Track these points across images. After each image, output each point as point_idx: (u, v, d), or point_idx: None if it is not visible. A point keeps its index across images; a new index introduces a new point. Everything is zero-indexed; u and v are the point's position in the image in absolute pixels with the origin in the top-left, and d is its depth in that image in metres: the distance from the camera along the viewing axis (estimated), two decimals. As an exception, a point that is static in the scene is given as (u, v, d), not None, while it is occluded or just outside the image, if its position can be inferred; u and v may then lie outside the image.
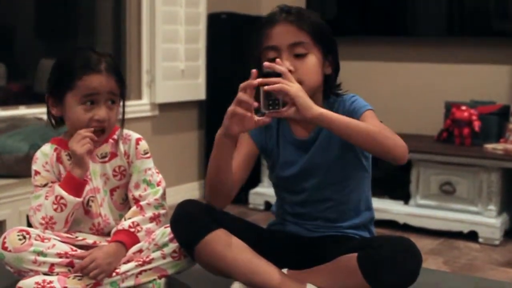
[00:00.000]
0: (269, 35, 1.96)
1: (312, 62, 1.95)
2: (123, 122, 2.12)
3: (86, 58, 2.02)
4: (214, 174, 1.95)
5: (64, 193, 1.99)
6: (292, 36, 1.94)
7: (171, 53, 4.23)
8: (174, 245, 2.02)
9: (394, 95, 4.43)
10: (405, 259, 1.78)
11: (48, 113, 2.11)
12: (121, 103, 2.11)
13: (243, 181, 2.06)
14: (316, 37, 1.96)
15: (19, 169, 2.93)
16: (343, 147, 1.97)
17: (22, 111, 3.49)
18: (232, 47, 4.39)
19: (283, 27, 1.95)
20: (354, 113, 1.94)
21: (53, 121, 2.12)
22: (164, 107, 4.30)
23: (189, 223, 1.97)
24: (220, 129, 1.88)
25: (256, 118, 1.82)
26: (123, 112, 2.11)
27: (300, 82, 1.89)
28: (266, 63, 1.84)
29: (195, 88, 4.42)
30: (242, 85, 1.81)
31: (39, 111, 3.44)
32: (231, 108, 1.82)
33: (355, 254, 1.83)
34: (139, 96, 4.22)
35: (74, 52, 2.09)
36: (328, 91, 2.03)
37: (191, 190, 4.46)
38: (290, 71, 1.88)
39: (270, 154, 2.10)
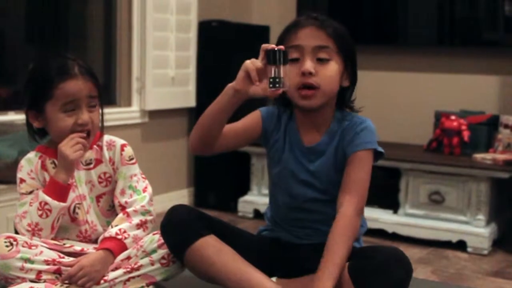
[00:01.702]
0: (296, 36, 1.97)
1: (333, 69, 1.96)
2: (102, 128, 2.11)
3: (59, 65, 2.01)
4: (207, 119, 1.96)
5: (48, 199, 1.98)
6: (318, 39, 1.95)
7: (161, 60, 4.22)
8: (162, 251, 2.01)
9: (384, 104, 4.43)
10: (396, 270, 1.78)
11: (29, 127, 2.10)
12: (101, 108, 2.09)
13: (228, 147, 2.06)
14: (341, 47, 1.97)
15: (7, 175, 2.91)
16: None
17: (11, 116, 3.47)
18: (223, 54, 4.39)
19: (311, 30, 1.96)
20: (350, 147, 1.96)
21: (35, 135, 2.11)
22: (154, 114, 4.29)
23: (179, 228, 1.97)
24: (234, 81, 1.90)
25: (268, 89, 1.82)
26: (102, 118, 2.10)
27: (318, 85, 1.93)
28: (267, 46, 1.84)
29: (185, 95, 4.42)
30: (264, 45, 1.83)
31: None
32: (246, 62, 1.85)
33: (346, 264, 1.83)
34: (129, 103, 4.21)
35: (45, 61, 2.07)
36: (343, 103, 2.04)
37: (180, 198, 4.44)
38: (310, 73, 1.92)
39: (272, 145, 2.09)
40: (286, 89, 1.84)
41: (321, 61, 1.95)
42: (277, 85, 1.81)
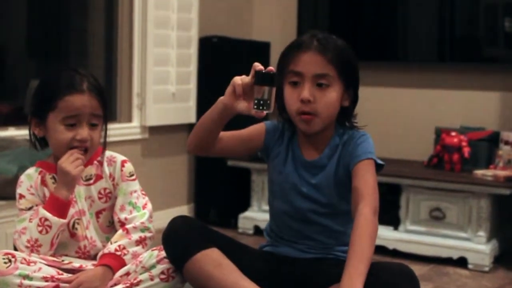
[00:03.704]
0: (297, 60, 1.97)
1: (332, 95, 1.97)
2: (105, 144, 2.11)
3: (68, 78, 2.02)
4: (201, 126, 2.02)
5: (48, 215, 1.97)
6: (318, 67, 1.95)
7: (162, 76, 4.22)
8: (162, 267, 2.01)
9: (384, 120, 4.43)
10: (402, 285, 1.77)
11: (31, 134, 2.11)
12: (104, 124, 2.10)
13: (227, 152, 2.13)
14: (341, 71, 1.97)
15: (7, 190, 2.91)
16: (348, 183, 1.98)
17: (11, 132, 3.47)
18: (223, 70, 4.39)
19: (311, 56, 1.96)
20: (352, 158, 1.96)
21: (36, 143, 2.11)
22: (155, 130, 4.29)
23: (180, 239, 1.97)
24: None
25: (253, 110, 1.85)
26: (105, 134, 2.11)
27: (316, 113, 1.94)
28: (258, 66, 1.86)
29: (186, 111, 4.42)
30: (255, 64, 1.85)
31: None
32: (236, 77, 1.89)
33: None
34: (129, 119, 4.21)
35: (57, 73, 2.09)
36: (344, 121, 2.05)
37: (180, 214, 4.42)
38: (308, 100, 1.93)
39: (273, 158, 2.11)
40: (270, 112, 1.85)
41: (320, 86, 1.95)
42: (261, 107, 1.83)
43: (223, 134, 2.05)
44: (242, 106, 1.88)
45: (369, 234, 1.81)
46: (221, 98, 1.93)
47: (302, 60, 1.96)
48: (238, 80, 1.87)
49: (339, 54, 1.97)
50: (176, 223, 2.02)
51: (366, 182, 1.90)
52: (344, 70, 1.98)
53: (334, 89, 1.96)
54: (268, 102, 1.83)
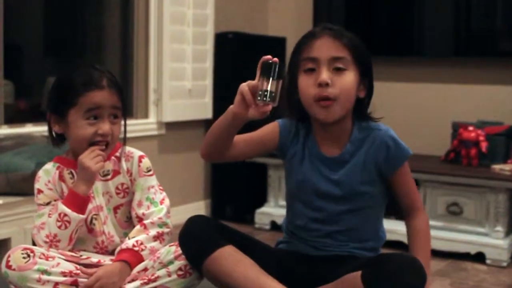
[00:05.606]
0: (311, 47, 1.95)
1: (350, 78, 1.95)
2: (125, 140, 2.12)
3: (87, 75, 2.03)
4: (213, 134, 1.98)
5: (67, 210, 1.98)
6: (334, 50, 1.94)
7: (178, 72, 4.23)
8: (179, 263, 2.01)
9: (401, 115, 4.42)
10: (409, 276, 1.76)
11: (50, 131, 2.12)
12: (123, 120, 2.11)
13: (242, 156, 2.08)
14: (356, 57, 1.96)
15: (25, 186, 2.93)
16: (373, 180, 2.00)
17: (29, 128, 3.49)
18: (239, 66, 4.39)
19: (325, 40, 1.95)
20: (395, 161, 2.03)
21: (56, 139, 2.12)
22: (171, 126, 4.30)
23: (198, 238, 1.97)
24: None
25: (256, 101, 1.81)
26: (125, 130, 2.12)
27: (335, 97, 1.92)
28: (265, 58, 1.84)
29: (202, 107, 4.43)
30: (263, 58, 1.84)
31: (46, 129, 3.43)
32: (242, 84, 1.85)
33: (360, 272, 1.81)
34: (146, 115, 4.23)
35: (75, 70, 2.09)
36: (360, 114, 2.03)
37: (197, 209, 4.44)
38: (327, 84, 1.90)
39: (290, 158, 2.08)
40: (275, 105, 1.79)
41: (337, 70, 1.93)
42: (265, 99, 1.77)
43: (236, 139, 2.01)
44: (253, 112, 1.84)
45: (429, 237, 2.14)
46: (231, 107, 1.89)
47: (316, 45, 1.94)
48: (245, 86, 1.82)
49: (353, 40, 1.97)
50: (192, 223, 2.01)
51: (412, 188, 2.12)
52: (358, 56, 1.97)
53: (351, 73, 1.95)
54: (273, 94, 1.77)
